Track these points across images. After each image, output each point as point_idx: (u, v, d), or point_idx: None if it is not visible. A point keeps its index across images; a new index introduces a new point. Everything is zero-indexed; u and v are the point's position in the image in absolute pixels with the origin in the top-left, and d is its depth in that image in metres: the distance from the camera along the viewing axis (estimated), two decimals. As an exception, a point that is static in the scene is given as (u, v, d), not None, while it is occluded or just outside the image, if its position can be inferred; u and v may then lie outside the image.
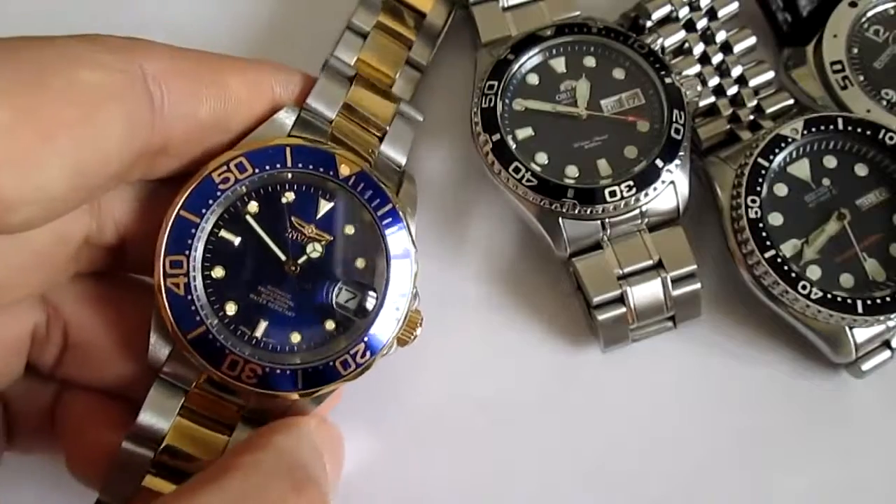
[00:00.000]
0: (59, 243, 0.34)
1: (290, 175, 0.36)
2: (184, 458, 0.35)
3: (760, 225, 0.41)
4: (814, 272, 0.41)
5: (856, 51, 0.46)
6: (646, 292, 0.41)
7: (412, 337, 0.36)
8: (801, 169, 0.43)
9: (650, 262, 0.41)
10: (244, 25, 0.48)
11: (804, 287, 0.40)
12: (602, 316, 0.41)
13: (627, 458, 0.42)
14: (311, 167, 0.36)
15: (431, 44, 0.45)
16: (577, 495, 0.42)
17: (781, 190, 0.42)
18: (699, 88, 0.43)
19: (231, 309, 0.35)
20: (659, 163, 0.41)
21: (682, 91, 0.42)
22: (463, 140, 0.44)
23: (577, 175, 0.41)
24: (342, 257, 0.36)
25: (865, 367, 0.42)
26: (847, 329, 0.41)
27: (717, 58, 0.46)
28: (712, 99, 0.45)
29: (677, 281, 0.41)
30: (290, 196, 0.36)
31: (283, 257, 0.35)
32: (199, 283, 0.34)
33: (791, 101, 0.45)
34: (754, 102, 0.45)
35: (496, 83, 0.42)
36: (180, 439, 0.35)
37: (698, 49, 0.46)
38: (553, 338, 0.44)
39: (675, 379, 0.44)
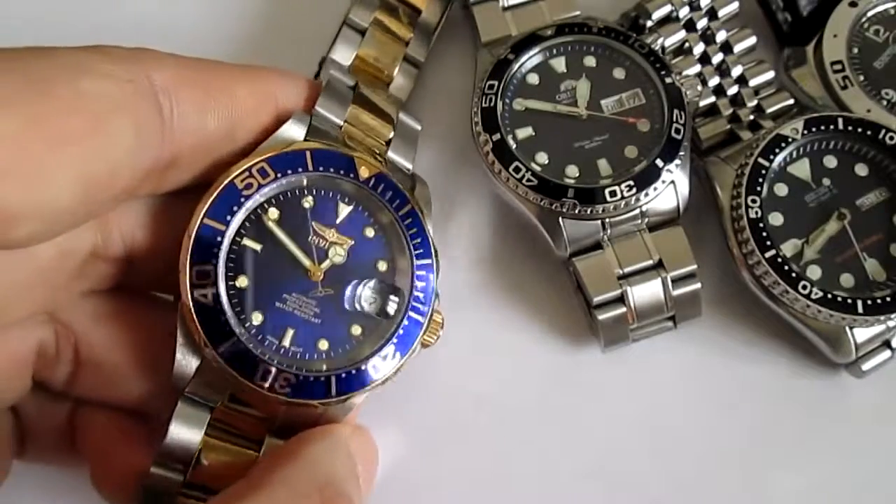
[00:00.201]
0: (63, 258, 0.33)
1: (308, 180, 0.36)
2: (214, 478, 0.34)
3: (761, 225, 0.41)
4: (814, 272, 0.41)
5: (856, 51, 0.46)
6: (646, 292, 0.41)
7: (435, 338, 0.36)
8: (802, 169, 0.43)
9: (650, 262, 0.41)
10: (240, 24, 0.48)
11: (804, 287, 0.40)
12: (602, 316, 0.41)
13: (627, 458, 0.42)
14: (331, 170, 0.36)
15: (428, 40, 0.45)
16: (577, 495, 0.42)
17: (782, 190, 0.42)
18: (699, 88, 0.43)
19: (257, 318, 0.34)
20: (659, 163, 0.41)
21: (683, 91, 0.42)
22: (463, 140, 0.44)
23: (577, 175, 0.41)
24: (365, 260, 0.36)
25: (866, 367, 0.42)
26: (847, 329, 0.41)
27: (717, 58, 0.46)
28: (712, 99, 0.45)
29: (677, 281, 0.41)
30: (309, 201, 0.36)
31: (307, 263, 0.35)
32: (225, 292, 0.33)
33: (791, 101, 0.45)
34: (754, 102, 0.45)
35: (496, 83, 0.42)
36: (210, 458, 0.34)
37: (698, 49, 0.46)
38: (553, 338, 0.44)
39: (675, 379, 0.44)
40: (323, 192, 0.36)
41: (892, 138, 0.42)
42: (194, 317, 0.33)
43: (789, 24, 0.47)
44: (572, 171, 0.41)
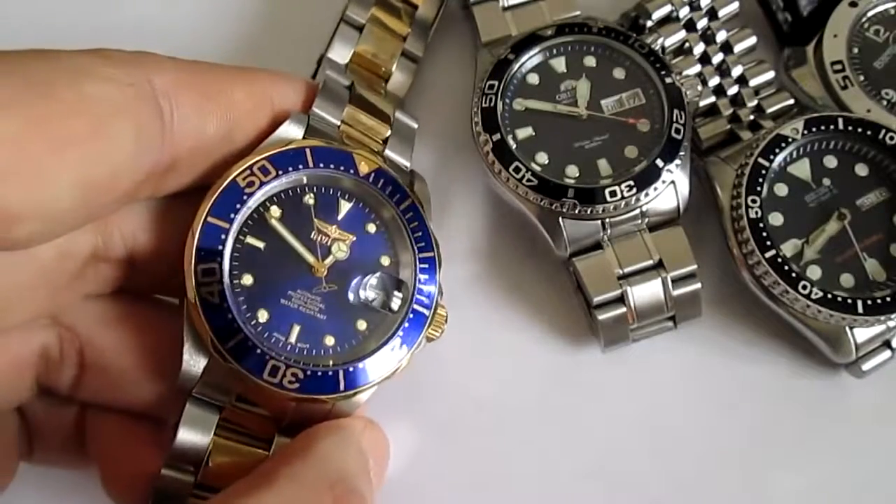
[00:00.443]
0: (63, 260, 0.33)
1: (308, 177, 0.36)
2: (225, 478, 0.34)
3: (761, 225, 0.41)
4: (814, 272, 0.41)
5: (856, 51, 0.46)
6: (646, 292, 0.41)
7: (440, 332, 0.36)
8: (802, 169, 0.43)
9: (650, 262, 0.41)
10: (238, 24, 0.48)
11: (804, 287, 0.40)
12: (602, 316, 0.41)
13: (627, 458, 0.42)
14: (331, 166, 0.36)
15: (425, 35, 0.45)
16: (577, 495, 0.42)
17: (782, 190, 0.42)
18: (699, 88, 0.43)
19: (263, 316, 0.34)
20: (659, 163, 0.41)
21: (683, 91, 0.42)
22: (463, 140, 0.44)
23: (577, 175, 0.41)
24: (367, 256, 0.36)
25: (866, 367, 0.42)
26: (847, 329, 0.41)
27: (717, 58, 0.46)
28: (713, 99, 0.45)
29: (677, 281, 0.41)
30: (311, 198, 0.36)
31: (311, 259, 0.35)
32: (230, 290, 0.33)
33: (791, 101, 0.45)
34: (755, 102, 0.45)
35: (496, 83, 0.42)
36: (220, 458, 0.34)
37: (699, 49, 0.46)
38: (553, 338, 0.44)
39: (675, 378, 0.44)
40: (324, 188, 0.36)
41: (892, 138, 0.42)
42: (201, 315, 0.33)
43: (789, 24, 0.47)
44: (572, 171, 0.41)
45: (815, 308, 0.40)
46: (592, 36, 0.43)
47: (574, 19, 0.44)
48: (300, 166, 0.35)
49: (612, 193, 0.40)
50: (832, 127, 0.42)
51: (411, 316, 0.36)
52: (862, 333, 0.41)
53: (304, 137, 0.36)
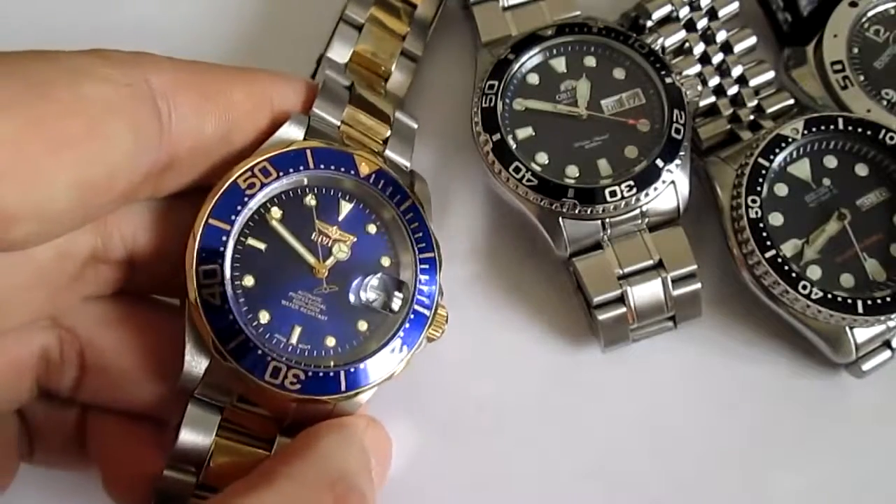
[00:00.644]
0: (61, 261, 0.33)
1: (309, 178, 0.36)
2: (226, 479, 0.34)
3: (761, 225, 0.41)
4: (814, 272, 0.41)
5: (856, 51, 0.46)
6: (646, 292, 0.41)
7: (441, 332, 0.36)
8: (802, 169, 0.43)
9: (650, 262, 0.41)
10: (238, 24, 0.48)
11: (804, 287, 0.40)
12: (602, 316, 0.41)
13: (627, 458, 0.42)
14: (332, 167, 0.36)
15: (424, 33, 0.45)
16: (577, 495, 0.42)
17: (782, 190, 0.42)
18: (699, 88, 0.43)
19: (264, 317, 0.34)
20: (659, 163, 0.41)
21: (683, 91, 0.42)
22: (463, 140, 0.44)
23: (577, 175, 0.41)
24: (368, 256, 0.36)
25: (866, 367, 0.42)
26: (847, 329, 0.41)
27: (717, 58, 0.46)
28: (713, 99, 0.45)
29: (677, 281, 0.41)
30: (311, 199, 0.36)
31: (312, 261, 0.35)
32: (231, 291, 0.33)
33: (791, 101, 0.45)
34: (755, 102, 0.45)
35: (496, 83, 0.42)
36: (222, 459, 0.34)
37: (699, 49, 0.46)
38: (553, 338, 0.44)
39: (675, 378, 0.44)
40: (324, 190, 0.36)
41: (892, 138, 0.42)
42: (202, 316, 0.33)
43: (789, 24, 0.47)
44: (572, 171, 0.41)
45: (815, 308, 0.40)
46: (592, 36, 0.43)
47: (574, 19, 0.44)
48: (301, 167, 0.35)
49: (612, 193, 0.40)
50: (832, 127, 0.42)
51: (412, 317, 0.36)
52: (862, 333, 0.41)
53: (304, 138, 0.36)
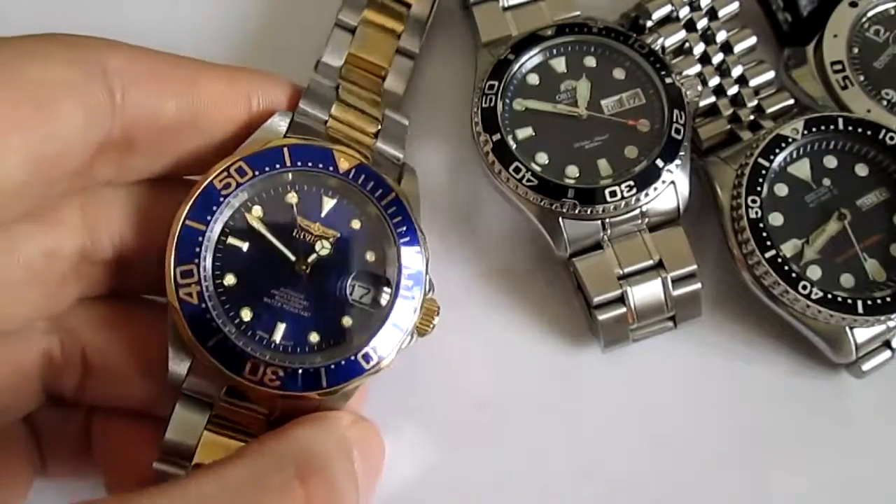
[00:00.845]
0: (50, 259, 0.34)
1: (290, 175, 0.36)
2: None
3: (761, 225, 0.41)
4: (814, 272, 0.41)
5: (856, 51, 0.46)
6: (646, 292, 0.41)
7: (431, 326, 0.36)
8: (802, 169, 0.43)
9: (650, 262, 0.41)
10: (243, 25, 0.48)
11: (804, 287, 0.40)
12: (602, 316, 0.41)
13: (627, 458, 0.42)
14: (310, 164, 0.36)
15: (420, 30, 0.45)
16: (577, 495, 0.42)
17: (782, 190, 0.42)
18: (699, 88, 0.43)
19: (247, 315, 0.35)
20: (659, 163, 0.41)
21: (683, 91, 0.42)
22: (463, 140, 0.44)
23: (577, 175, 0.41)
24: (351, 252, 0.36)
25: (866, 367, 0.42)
26: (847, 329, 0.41)
27: (717, 58, 0.46)
28: (713, 99, 0.45)
29: (677, 281, 0.41)
30: (293, 196, 0.36)
31: (292, 258, 0.35)
32: (211, 291, 0.34)
33: (791, 101, 0.45)
34: (755, 102, 0.45)
35: (496, 83, 0.42)
36: (210, 453, 0.34)
37: (699, 49, 0.46)
38: (553, 338, 0.44)
39: (675, 378, 0.44)
40: (306, 186, 0.37)
41: (892, 138, 0.42)
42: (181, 316, 0.33)
43: (789, 24, 0.47)
44: (572, 171, 0.41)
45: (815, 308, 0.40)
46: (592, 36, 0.43)
47: (574, 19, 0.44)
48: (277, 166, 0.36)
49: (612, 193, 0.40)
50: (832, 127, 0.42)
51: (397, 311, 0.36)
52: (862, 333, 0.41)
53: (286, 134, 0.37)
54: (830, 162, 0.43)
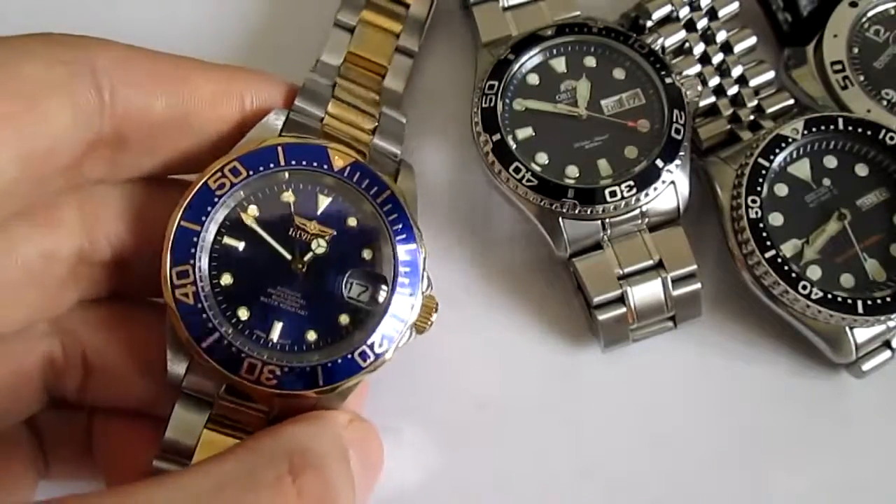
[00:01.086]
0: (48, 261, 0.34)
1: (286, 174, 0.36)
2: None
3: (761, 225, 0.41)
4: (814, 272, 0.41)
5: (856, 51, 0.46)
6: (646, 292, 0.41)
7: (429, 323, 0.36)
8: (802, 169, 0.43)
9: (650, 262, 0.41)
10: (234, 31, 0.48)
11: (804, 287, 0.40)
12: (602, 316, 0.41)
13: (627, 458, 0.42)
14: (304, 163, 0.36)
15: (419, 28, 0.45)
16: (577, 495, 0.42)
17: (782, 190, 0.42)
18: (699, 88, 0.43)
19: (244, 314, 0.35)
20: (659, 163, 0.41)
21: (683, 91, 0.42)
22: (463, 140, 0.44)
23: (577, 175, 0.41)
24: (348, 250, 0.36)
25: (866, 367, 0.42)
26: (847, 329, 0.41)
27: (717, 58, 0.46)
28: (713, 99, 0.45)
29: (677, 281, 0.41)
30: (288, 195, 0.36)
31: (288, 257, 0.35)
32: (207, 290, 0.34)
33: (791, 101, 0.45)
34: (755, 102, 0.45)
35: (496, 83, 0.42)
36: (210, 451, 0.34)
37: (699, 49, 0.46)
38: (553, 338, 0.44)
39: (675, 378, 0.44)
40: (301, 185, 0.37)
41: (892, 138, 0.42)
42: (178, 316, 0.33)
43: (789, 24, 0.47)
44: (572, 171, 0.41)
45: (815, 308, 0.40)
46: (592, 36, 0.43)
47: (574, 19, 0.44)
48: (271, 165, 0.36)
49: (612, 193, 0.40)
50: (832, 127, 0.42)
51: (393, 308, 0.36)
52: (862, 333, 0.41)
53: (281, 133, 0.37)
54: (830, 162, 0.43)
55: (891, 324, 0.41)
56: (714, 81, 0.46)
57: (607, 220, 0.41)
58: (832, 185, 0.42)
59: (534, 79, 0.43)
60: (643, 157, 0.41)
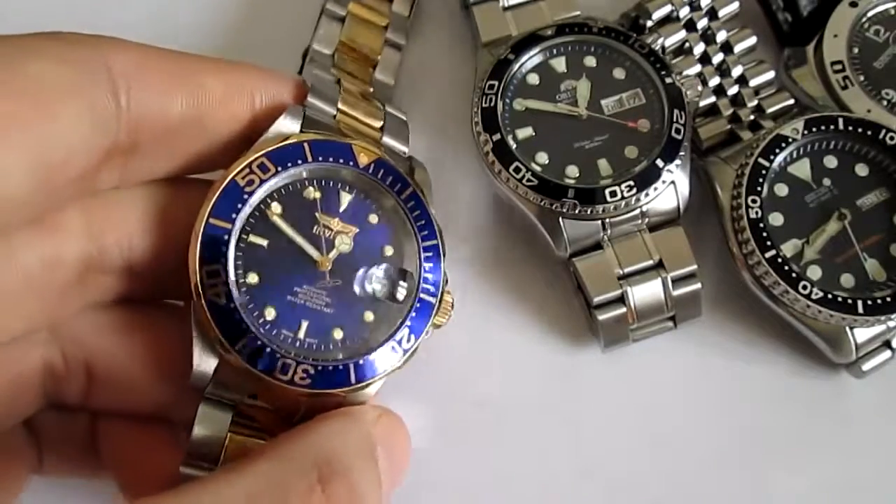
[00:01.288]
0: (50, 268, 0.32)
1: (309, 171, 0.36)
2: None
3: (761, 225, 0.41)
4: (814, 272, 0.41)
5: (856, 51, 0.46)
6: (646, 292, 0.41)
7: (447, 319, 0.36)
8: (802, 169, 0.43)
9: (650, 262, 0.41)
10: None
11: (805, 287, 0.40)
12: (602, 316, 0.41)
13: (627, 458, 0.42)
14: (330, 159, 0.36)
15: (405, 20, 0.45)
16: (577, 495, 0.42)
17: (782, 190, 0.42)
18: (700, 88, 0.43)
19: (270, 314, 0.34)
20: (659, 163, 0.41)
21: (683, 91, 0.42)
22: (463, 140, 0.44)
23: (577, 175, 0.41)
24: (371, 247, 0.36)
25: (866, 367, 0.42)
26: (847, 329, 0.41)
27: (717, 58, 0.46)
28: (713, 99, 0.45)
29: (678, 281, 0.41)
30: (311, 192, 0.36)
31: (316, 255, 0.35)
32: (236, 290, 0.33)
33: (791, 101, 0.45)
34: (755, 102, 0.45)
35: (496, 83, 0.42)
36: (236, 455, 0.34)
37: (699, 49, 0.46)
38: (553, 338, 0.44)
39: (675, 378, 0.44)
40: (324, 182, 0.36)
41: (892, 138, 0.42)
42: (209, 317, 0.33)
43: (789, 24, 0.47)
44: (572, 171, 0.41)
45: (816, 308, 0.40)
46: (592, 36, 0.43)
47: (574, 19, 0.44)
48: (299, 161, 0.35)
49: (613, 193, 0.40)
50: (832, 127, 0.42)
51: (418, 305, 0.36)
52: (862, 333, 0.41)
53: (301, 130, 0.36)
54: (830, 162, 0.43)
55: (891, 324, 0.41)
56: (714, 81, 0.46)
57: (607, 220, 0.41)
58: (832, 185, 0.42)
59: (534, 79, 0.43)
60: (643, 157, 0.41)
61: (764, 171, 0.42)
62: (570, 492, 0.42)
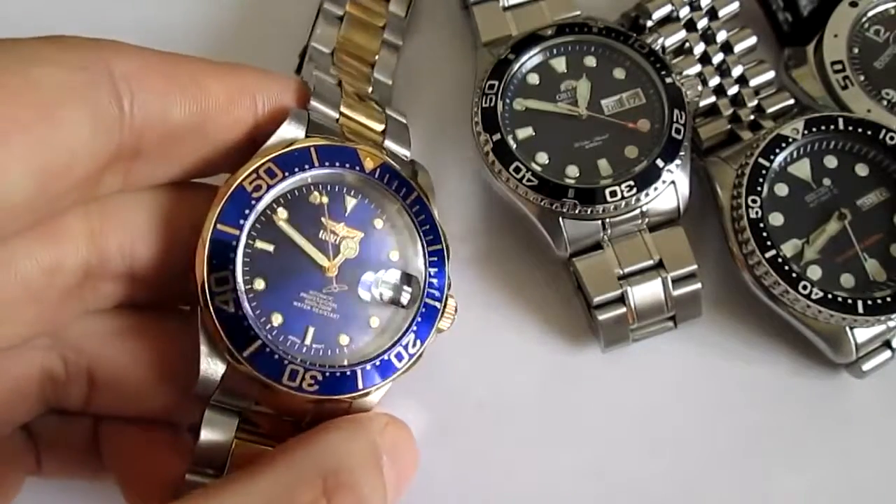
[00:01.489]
0: (49, 275, 0.32)
1: (314, 176, 0.35)
2: None
3: (761, 225, 0.41)
4: (814, 272, 0.41)
5: (856, 51, 0.46)
6: (646, 292, 0.41)
7: (450, 323, 0.36)
8: (802, 169, 0.43)
9: (650, 262, 0.41)
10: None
11: (805, 287, 0.40)
12: (602, 316, 0.41)
13: (628, 458, 0.42)
14: (336, 164, 0.36)
15: (402, 20, 0.45)
16: (577, 495, 0.42)
17: (782, 190, 0.42)
18: (700, 88, 0.43)
19: (277, 319, 0.34)
20: (659, 163, 0.41)
21: (683, 91, 0.42)
22: (464, 140, 0.44)
23: (577, 175, 0.41)
24: (377, 252, 0.36)
25: (866, 367, 0.42)
26: (847, 329, 0.41)
27: (717, 57, 0.46)
28: (713, 99, 0.45)
29: (678, 281, 0.41)
30: (316, 197, 0.36)
31: (322, 260, 0.35)
32: (244, 297, 0.33)
33: (791, 101, 0.45)
34: (755, 102, 0.45)
35: (496, 83, 0.42)
36: (242, 463, 0.33)
37: (699, 49, 0.46)
38: (553, 338, 0.44)
39: (675, 379, 0.44)
40: (329, 186, 0.36)
41: (892, 138, 0.42)
42: (217, 324, 0.32)
43: (790, 24, 0.47)
44: (572, 171, 0.41)
45: (816, 308, 0.40)
46: (592, 36, 0.43)
47: (574, 19, 0.44)
48: (306, 166, 0.35)
49: (613, 193, 0.40)
50: (832, 127, 0.42)
51: (423, 310, 0.35)
52: (862, 333, 0.41)
53: (306, 135, 0.36)
54: (831, 162, 0.43)
55: (891, 324, 0.41)
56: (714, 81, 0.46)
57: (607, 220, 0.41)
58: (832, 184, 0.42)
59: (534, 78, 0.43)
60: (643, 157, 0.41)
61: (764, 171, 0.42)
62: (570, 492, 0.42)
